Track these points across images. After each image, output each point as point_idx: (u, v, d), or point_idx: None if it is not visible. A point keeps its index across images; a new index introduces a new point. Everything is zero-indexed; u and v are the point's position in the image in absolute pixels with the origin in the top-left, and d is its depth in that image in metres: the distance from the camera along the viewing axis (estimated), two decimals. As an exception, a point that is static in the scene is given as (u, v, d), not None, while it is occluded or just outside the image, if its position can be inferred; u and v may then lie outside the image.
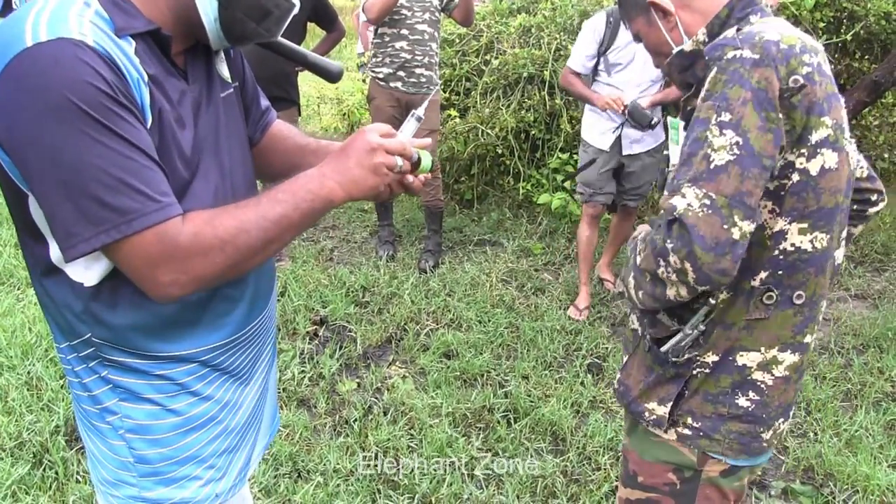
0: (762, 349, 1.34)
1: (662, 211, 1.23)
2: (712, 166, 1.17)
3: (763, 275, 1.29)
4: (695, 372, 1.40)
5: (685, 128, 1.38)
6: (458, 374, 3.27)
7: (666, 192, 1.24)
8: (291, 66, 4.06)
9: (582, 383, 3.21)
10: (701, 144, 1.19)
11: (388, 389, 3.15)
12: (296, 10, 1.20)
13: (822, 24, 4.96)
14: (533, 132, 5.27)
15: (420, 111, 1.30)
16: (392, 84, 4.26)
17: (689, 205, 1.16)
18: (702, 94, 1.23)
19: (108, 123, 0.96)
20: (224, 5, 1.10)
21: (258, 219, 1.07)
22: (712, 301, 1.33)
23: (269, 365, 1.45)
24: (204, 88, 1.20)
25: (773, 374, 1.36)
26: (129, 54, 1.02)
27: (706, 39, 1.34)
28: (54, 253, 1.09)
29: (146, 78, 1.04)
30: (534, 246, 4.73)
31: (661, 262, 1.21)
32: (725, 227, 1.15)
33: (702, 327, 1.35)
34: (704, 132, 1.19)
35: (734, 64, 1.19)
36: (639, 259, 1.30)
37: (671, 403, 1.42)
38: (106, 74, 0.96)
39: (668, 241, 1.19)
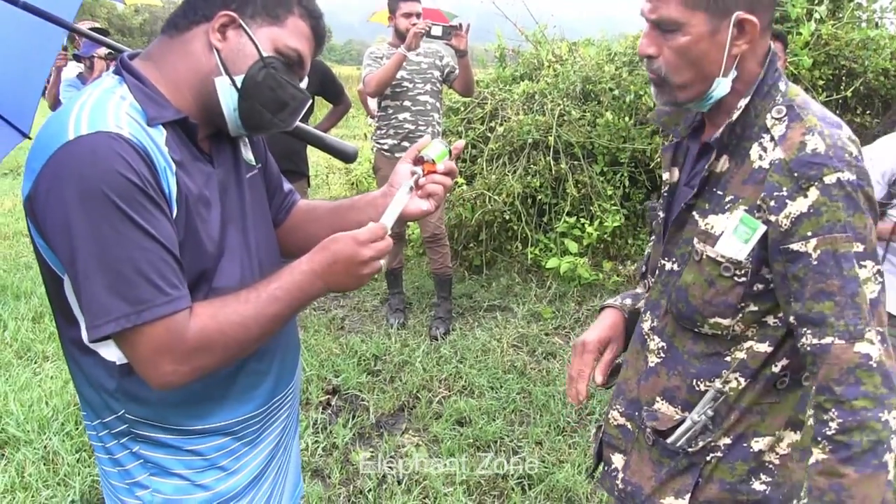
0: (776, 433, 1.37)
1: (825, 371, 1.20)
2: (870, 300, 1.18)
3: (785, 361, 1.33)
4: (709, 458, 1.40)
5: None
6: (472, 441, 3.32)
7: (841, 341, 1.19)
8: (301, 142, 4.22)
9: (595, 447, 3.25)
10: (857, 281, 1.18)
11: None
12: (309, 102, 1.31)
13: (821, 82, 5.14)
14: (539, 197, 5.42)
15: (409, 184, 1.35)
16: (397, 155, 4.41)
17: (879, 350, 1.17)
18: (813, 220, 1.19)
19: (134, 215, 1.05)
20: (244, 96, 1.21)
21: (257, 315, 1.16)
22: (719, 386, 1.35)
23: (293, 435, 1.53)
24: (230, 170, 1.31)
25: (777, 453, 1.37)
26: (159, 144, 1.13)
27: (744, 105, 1.29)
28: (85, 333, 1.17)
29: (173, 167, 1.15)
30: (543, 310, 4.82)
31: (872, 440, 1.16)
32: (892, 351, 1.20)
33: (710, 412, 1.36)
34: (854, 268, 1.18)
35: (843, 189, 1.18)
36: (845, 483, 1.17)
37: (689, 495, 1.41)
38: (138, 167, 1.06)
39: (870, 403, 1.16)
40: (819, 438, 1.20)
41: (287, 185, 1.57)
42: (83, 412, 1.31)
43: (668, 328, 1.44)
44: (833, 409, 1.18)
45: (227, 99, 1.21)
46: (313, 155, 7.75)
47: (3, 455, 3.11)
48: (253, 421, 1.34)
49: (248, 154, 1.39)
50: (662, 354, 1.45)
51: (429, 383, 3.87)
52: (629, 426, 1.52)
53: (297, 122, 1.43)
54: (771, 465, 1.37)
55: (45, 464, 3.04)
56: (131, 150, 1.06)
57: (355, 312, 5.00)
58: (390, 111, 4.42)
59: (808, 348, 1.22)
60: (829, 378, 1.19)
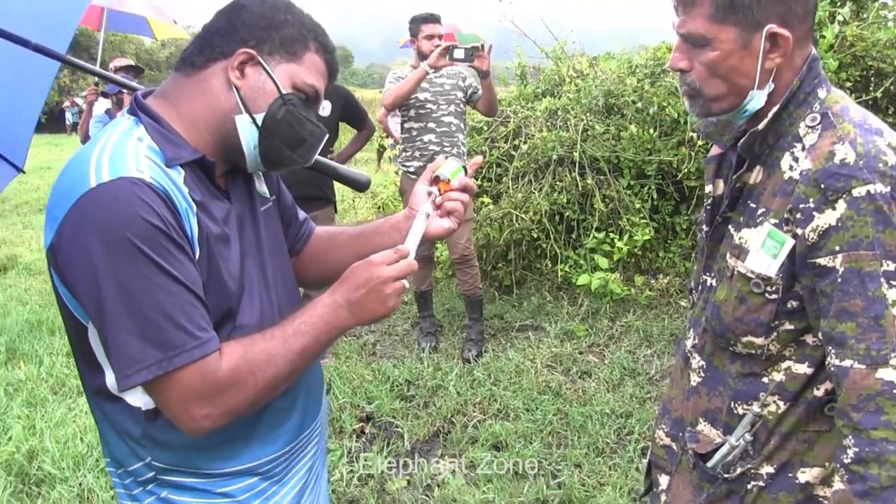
0: (825, 464, 1.26)
1: (848, 394, 1.12)
2: None
3: (829, 385, 1.23)
4: (749, 486, 1.32)
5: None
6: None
7: (861, 366, 1.11)
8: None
9: (637, 468, 3.16)
10: (883, 303, 1.10)
11: (438, 486, 3.13)
12: (326, 136, 1.29)
13: (849, 84, 5.02)
14: (567, 213, 5.35)
15: (428, 207, 1.37)
16: None
17: None
18: (841, 235, 1.11)
19: (159, 260, 1.03)
20: (264, 134, 1.19)
21: (285, 351, 1.15)
22: (757, 409, 1.27)
23: (322, 470, 1.49)
24: (246, 205, 1.29)
25: (832, 487, 1.23)
26: (178, 184, 1.11)
27: (775, 113, 1.22)
28: (110, 380, 1.16)
29: (194, 207, 1.13)
30: (576, 328, 4.75)
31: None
32: None
33: (748, 437, 1.29)
34: (880, 288, 1.10)
35: (874, 203, 1.09)
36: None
37: None
38: (160, 211, 1.04)
39: (892, 434, 1.09)
40: (838, 465, 1.14)
41: (302, 214, 1.56)
42: (106, 459, 1.29)
43: (707, 346, 1.39)
44: (850, 436, 1.13)
45: (248, 137, 1.19)
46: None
47: (40, 493, 3.09)
48: (281, 459, 1.31)
49: (262, 187, 1.38)
50: (703, 374, 1.40)
51: (463, 407, 3.81)
52: (674, 447, 1.47)
53: None
54: (824, 500, 1.27)
55: (80, 502, 3.02)
56: (153, 194, 1.05)
57: (386, 337, 4.96)
58: (415, 133, 4.39)
59: (832, 369, 1.16)
60: (847, 402, 1.13)
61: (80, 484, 3.11)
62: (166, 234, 1.05)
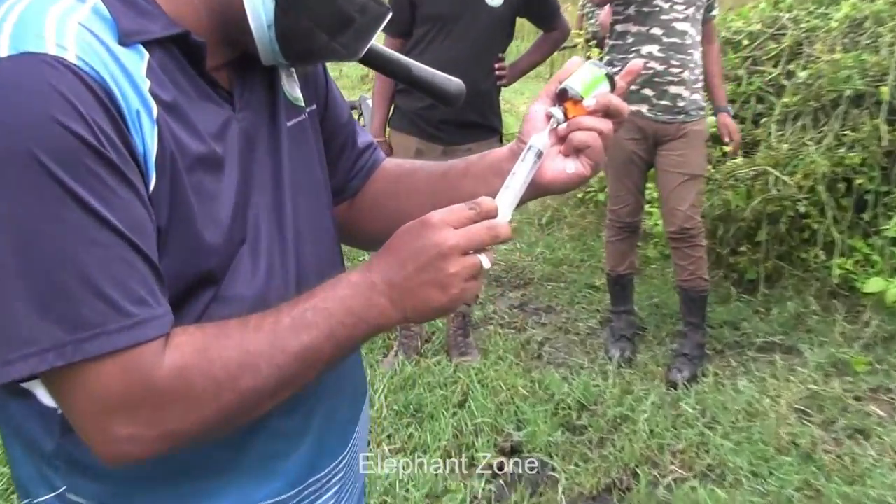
0: None
1: None
2: None
3: None
4: None
5: None
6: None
7: None
8: (492, 83, 4.07)
9: None
10: None
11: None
12: (388, 16, 1.16)
13: None
14: (859, 181, 4.88)
15: (542, 139, 1.20)
16: (634, 107, 4.03)
17: None
18: None
19: (81, 191, 0.91)
20: (284, 6, 1.06)
21: (273, 350, 1.01)
22: None
23: None
24: (263, 116, 1.19)
25: None
26: (133, 74, 0.98)
27: None
28: None
29: (154, 109, 0.99)
30: (854, 359, 4.28)
31: None
32: None
33: None
34: None
35: None
36: None
37: None
38: (90, 112, 0.91)
39: None
40: None
41: (365, 138, 1.46)
42: (16, 487, 1.22)
43: None
44: None
45: (259, 9, 1.06)
46: (520, 104, 7.53)
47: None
48: None
49: (293, 90, 1.26)
50: None
51: (656, 455, 3.55)
52: None
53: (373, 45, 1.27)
54: None
55: None
56: (79, 84, 0.91)
57: (561, 335, 4.82)
58: (630, 40, 4.07)
59: None
60: None
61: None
62: (96, 151, 0.91)
